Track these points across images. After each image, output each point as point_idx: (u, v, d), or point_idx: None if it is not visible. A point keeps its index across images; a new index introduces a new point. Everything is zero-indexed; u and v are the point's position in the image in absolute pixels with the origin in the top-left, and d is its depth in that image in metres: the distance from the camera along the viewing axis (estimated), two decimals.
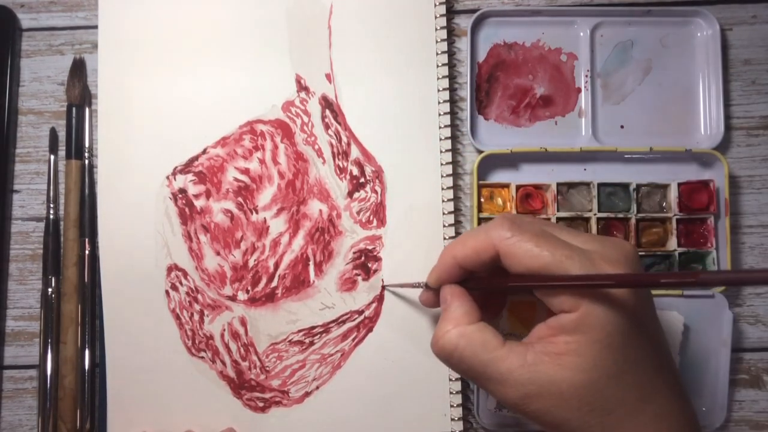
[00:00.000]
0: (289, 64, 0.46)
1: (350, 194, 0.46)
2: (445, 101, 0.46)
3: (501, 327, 0.45)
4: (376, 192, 0.46)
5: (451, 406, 0.44)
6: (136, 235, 0.45)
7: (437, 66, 0.46)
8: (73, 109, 0.47)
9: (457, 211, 0.46)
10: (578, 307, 0.31)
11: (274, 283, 0.45)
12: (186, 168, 0.45)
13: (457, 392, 0.45)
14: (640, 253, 0.45)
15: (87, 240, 0.46)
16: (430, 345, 0.35)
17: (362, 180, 0.46)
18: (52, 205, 0.46)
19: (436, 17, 0.46)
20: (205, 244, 0.45)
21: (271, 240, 0.45)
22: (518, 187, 0.46)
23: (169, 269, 0.45)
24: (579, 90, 0.48)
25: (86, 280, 0.45)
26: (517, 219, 0.34)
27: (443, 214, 0.45)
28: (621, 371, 0.31)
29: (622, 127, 0.48)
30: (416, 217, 0.45)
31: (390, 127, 0.46)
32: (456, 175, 0.47)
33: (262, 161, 0.46)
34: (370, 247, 0.45)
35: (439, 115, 0.46)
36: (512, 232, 0.32)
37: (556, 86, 0.48)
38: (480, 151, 0.46)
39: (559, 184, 0.46)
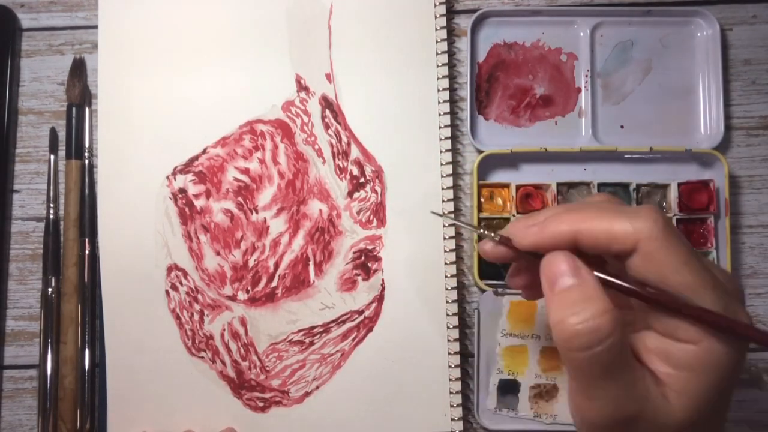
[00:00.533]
0: (289, 64, 0.46)
1: (350, 194, 0.46)
2: (445, 101, 0.46)
3: (501, 326, 0.45)
4: (376, 192, 0.46)
5: (451, 406, 0.44)
6: (136, 235, 0.45)
7: (437, 66, 0.46)
8: (73, 109, 0.47)
9: (457, 211, 0.46)
10: (698, 341, 0.27)
11: (274, 283, 0.45)
12: (186, 168, 0.45)
13: (457, 392, 0.45)
14: None
15: (87, 240, 0.46)
16: (561, 323, 0.27)
17: (362, 180, 0.46)
18: (52, 205, 0.46)
19: (436, 17, 0.46)
20: (205, 244, 0.45)
21: (271, 240, 0.45)
22: (518, 187, 0.46)
23: (169, 269, 0.45)
24: (579, 90, 0.48)
25: (86, 280, 0.45)
26: (670, 221, 0.29)
27: (443, 214, 0.45)
28: (710, 420, 0.28)
29: (622, 127, 0.48)
30: (416, 217, 0.45)
31: (390, 127, 0.46)
32: (456, 175, 0.47)
33: (262, 161, 0.46)
34: (370, 247, 0.45)
35: (439, 115, 0.46)
36: (666, 234, 0.27)
37: (556, 86, 0.48)
38: (480, 151, 0.46)
39: (559, 184, 0.46)
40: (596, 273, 0.29)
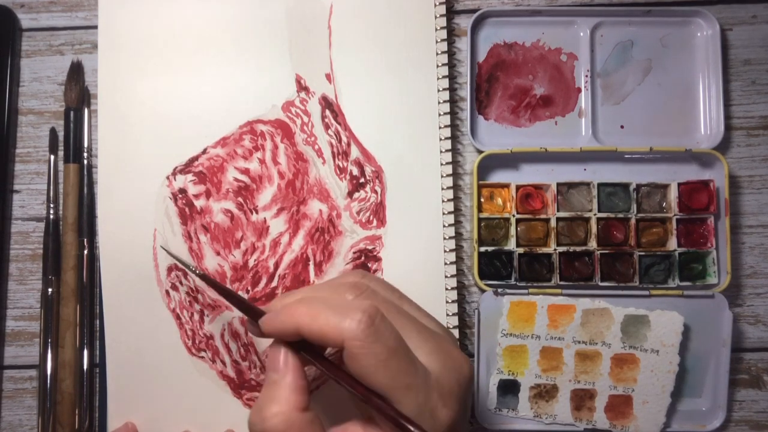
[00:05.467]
0: (289, 64, 0.46)
1: (350, 194, 0.46)
2: (445, 101, 0.46)
3: (501, 326, 0.45)
4: (376, 192, 0.46)
5: None
6: (136, 235, 0.45)
7: (437, 66, 0.46)
8: (71, 112, 0.47)
9: (457, 211, 0.46)
10: None
11: (274, 283, 0.45)
12: (186, 168, 0.45)
13: None
14: (640, 254, 0.45)
15: (86, 240, 0.46)
16: (248, 418, 0.31)
17: (362, 180, 0.46)
18: (52, 205, 0.46)
19: (436, 17, 0.46)
20: (205, 244, 0.45)
21: (271, 240, 0.45)
22: (518, 187, 0.46)
23: (169, 269, 0.45)
24: (579, 90, 0.48)
25: (84, 280, 0.45)
26: (379, 318, 0.30)
27: (443, 214, 0.45)
28: None
29: (622, 127, 0.48)
30: (416, 217, 0.45)
31: (390, 127, 0.46)
32: (456, 175, 0.47)
33: (262, 161, 0.46)
34: (370, 247, 0.45)
35: (439, 115, 0.46)
36: (367, 335, 0.29)
37: (556, 86, 0.48)
38: (480, 151, 0.46)
39: (559, 184, 0.46)
40: (295, 352, 0.32)
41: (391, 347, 0.29)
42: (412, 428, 0.29)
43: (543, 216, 0.46)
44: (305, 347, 0.32)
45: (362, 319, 0.29)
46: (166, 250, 0.43)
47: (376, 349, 0.29)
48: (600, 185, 0.46)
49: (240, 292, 0.45)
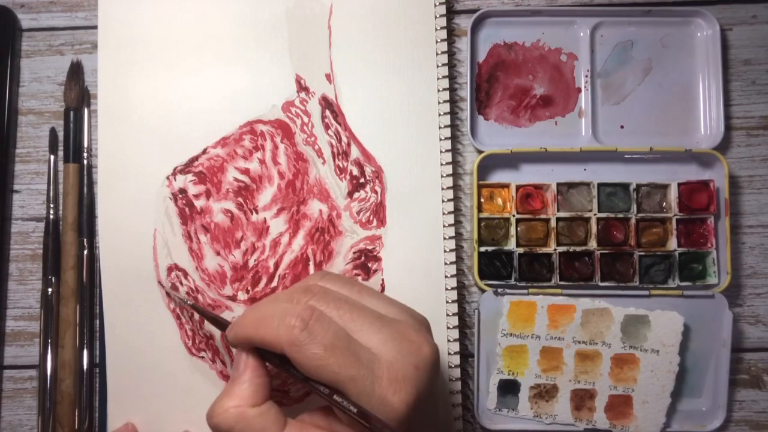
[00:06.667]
0: (289, 64, 0.46)
1: (350, 194, 0.46)
2: (445, 101, 0.46)
3: (501, 326, 0.45)
4: (376, 192, 0.46)
5: (452, 405, 0.44)
6: (136, 235, 0.45)
7: (437, 66, 0.46)
8: (71, 112, 0.47)
9: (457, 211, 0.46)
10: (354, 425, 0.31)
11: (274, 283, 0.45)
12: (186, 168, 0.45)
13: (456, 392, 0.45)
14: (640, 254, 0.45)
15: (85, 240, 0.46)
16: (206, 414, 0.33)
17: (362, 180, 0.46)
18: (52, 205, 0.46)
19: (436, 17, 0.46)
20: (206, 244, 0.45)
21: (271, 240, 0.45)
22: (518, 187, 0.46)
23: (169, 269, 0.45)
24: (579, 90, 0.48)
25: (84, 280, 0.45)
26: (311, 323, 0.31)
27: (443, 214, 0.45)
28: None
29: (622, 127, 0.48)
30: (416, 217, 0.45)
31: (390, 127, 0.46)
32: (456, 175, 0.47)
33: (262, 161, 0.46)
34: (370, 247, 0.45)
35: (439, 115, 0.46)
36: (300, 340, 0.31)
37: (556, 86, 0.48)
38: (480, 151, 0.46)
39: (559, 184, 0.46)
40: (256, 355, 0.34)
41: (328, 345, 0.31)
42: (358, 418, 0.30)
43: (543, 216, 0.46)
44: (266, 353, 0.34)
45: (295, 324, 0.31)
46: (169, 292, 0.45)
47: (311, 350, 0.31)
48: (600, 185, 0.46)
49: (240, 293, 0.45)
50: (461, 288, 0.47)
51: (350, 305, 0.34)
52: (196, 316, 0.45)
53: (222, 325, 0.39)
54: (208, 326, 0.45)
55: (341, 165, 0.46)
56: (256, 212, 0.45)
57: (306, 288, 0.35)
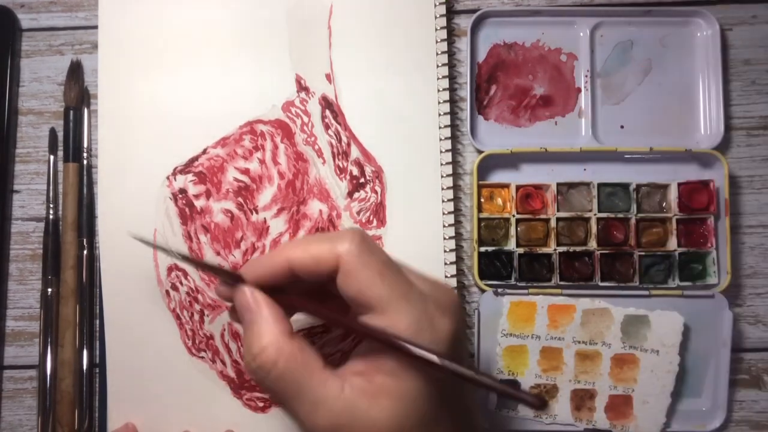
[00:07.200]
0: (289, 64, 0.46)
1: (350, 194, 0.46)
2: (445, 101, 0.46)
3: (500, 326, 0.45)
4: (376, 192, 0.46)
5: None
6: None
7: (437, 66, 0.46)
8: (71, 112, 0.47)
9: (457, 211, 0.46)
10: (395, 375, 0.30)
11: None
12: (186, 168, 0.45)
13: None
14: (640, 254, 0.45)
15: (85, 240, 0.46)
16: (243, 362, 0.32)
17: (362, 180, 0.46)
18: (51, 205, 0.46)
19: (436, 17, 0.46)
20: (206, 245, 0.45)
21: (271, 240, 0.45)
22: (518, 187, 0.46)
23: (170, 269, 0.45)
24: (579, 90, 0.48)
25: (84, 280, 0.45)
26: (369, 239, 0.32)
27: (443, 214, 0.45)
28: (428, 427, 0.30)
29: (622, 127, 0.48)
30: (416, 217, 0.45)
31: (390, 127, 0.46)
32: (456, 175, 0.47)
33: (262, 161, 0.46)
34: None
35: (439, 115, 0.46)
36: (361, 250, 0.30)
37: (556, 86, 0.48)
38: (480, 151, 0.46)
39: (559, 184, 0.46)
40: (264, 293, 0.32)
41: (384, 260, 0.31)
42: (407, 345, 0.29)
43: (543, 216, 0.46)
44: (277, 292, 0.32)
45: (354, 239, 0.31)
46: (138, 238, 0.41)
47: (371, 261, 0.30)
48: (600, 185, 0.46)
49: None
50: (461, 288, 0.47)
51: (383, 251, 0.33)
52: (196, 316, 0.45)
53: (230, 275, 0.35)
54: (209, 326, 0.45)
55: (341, 165, 0.46)
56: (256, 212, 0.45)
57: (342, 231, 0.34)
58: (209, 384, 0.44)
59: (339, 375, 0.30)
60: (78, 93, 0.47)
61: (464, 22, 0.48)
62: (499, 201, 0.47)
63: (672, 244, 0.46)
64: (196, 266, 0.41)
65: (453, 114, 0.47)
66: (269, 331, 0.31)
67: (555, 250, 0.46)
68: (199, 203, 0.45)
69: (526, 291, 0.45)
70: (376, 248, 0.31)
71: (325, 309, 0.33)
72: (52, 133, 0.47)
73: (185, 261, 0.42)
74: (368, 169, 0.46)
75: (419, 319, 0.30)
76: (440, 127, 0.46)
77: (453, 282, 0.45)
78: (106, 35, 0.46)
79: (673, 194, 0.46)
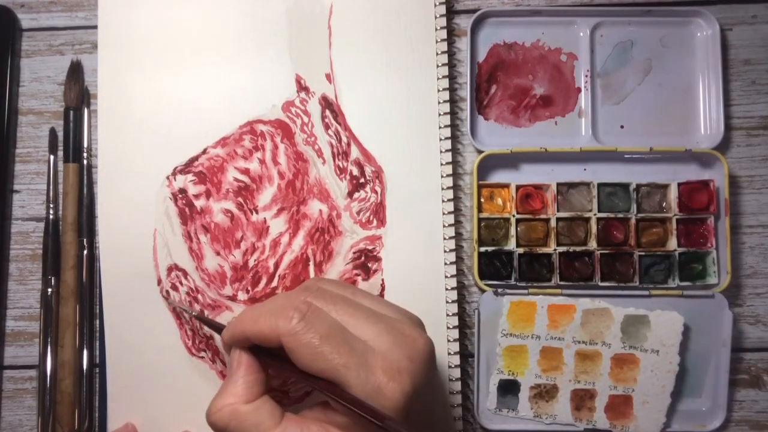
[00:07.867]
0: (289, 64, 0.46)
1: (350, 194, 0.46)
2: (445, 101, 0.46)
3: (500, 326, 0.45)
4: (376, 192, 0.46)
5: (451, 406, 0.44)
6: (136, 235, 0.45)
7: (437, 66, 0.46)
8: (71, 112, 0.47)
9: (457, 211, 0.46)
10: (349, 415, 0.32)
11: (274, 284, 0.45)
12: (186, 168, 0.45)
13: (457, 392, 0.44)
14: (640, 254, 0.45)
15: (85, 240, 0.46)
16: (205, 414, 0.34)
17: (362, 180, 0.46)
18: (51, 205, 0.46)
19: (436, 17, 0.46)
20: (206, 245, 0.45)
21: (271, 240, 0.45)
22: (518, 187, 0.46)
23: (169, 269, 0.45)
24: (579, 90, 0.48)
25: (84, 280, 0.45)
26: (308, 315, 0.32)
27: (443, 214, 0.45)
28: None
29: (622, 127, 0.48)
30: (416, 217, 0.45)
31: (390, 127, 0.46)
32: (456, 175, 0.47)
33: (262, 161, 0.46)
34: (370, 247, 0.45)
35: (439, 115, 0.46)
36: (301, 328, 0.32)
37: (556, 86, 0.48)
38: (480, 151, 0.46)
39: (559, 184, 0.46)
40: (249, 352, 0.35)
41: (323, 334, 0.32)
42: (353, 407, 0.30)
43: (543, 216, 0.46)
44: (262, 350, 0.35)
45: (293, 315, 0.32)
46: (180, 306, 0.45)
47: (308, 338, 0.31)
48: (600, 185, 0.46)
49: (240, 293, 0.45)
50: (461, 288, 0.47)
51: (346, 302, 0.34)
52: None
53: (219, 329, 0.39)
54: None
55: (341, 165, 0.46)
56: (256, 212, 0.45)
57: (304, 287, 0.35)
58: (209, 384, 0.44)
59: (302, 418, 0.33)
60: (78, 93, 0.47)
61: (464, 22, 0.48)
62: (499, 201, 0.47)
63: (672, 244, 0.46)
64: (206, 324, 0.44)
65: (453, 114, 0.47)
66: (233, 393, 0.33)
67: (555, 250, 0.46)
68: (199, 203, 0.45)
69: (526, 291, 0.45)
70: (317, 321, 0.32)
71: (287, 365, 0.33)
72: (52, 133, 0.47)
73: (199, 320, 0.44)
74: (368, 169, 0.46)
75: (364, 388, 0.31)
76: (440, 127, 0.46)
77: (453, 282, 0.45)
78: (105, 35, 0.46)
79: (673, 194, 0.46)
